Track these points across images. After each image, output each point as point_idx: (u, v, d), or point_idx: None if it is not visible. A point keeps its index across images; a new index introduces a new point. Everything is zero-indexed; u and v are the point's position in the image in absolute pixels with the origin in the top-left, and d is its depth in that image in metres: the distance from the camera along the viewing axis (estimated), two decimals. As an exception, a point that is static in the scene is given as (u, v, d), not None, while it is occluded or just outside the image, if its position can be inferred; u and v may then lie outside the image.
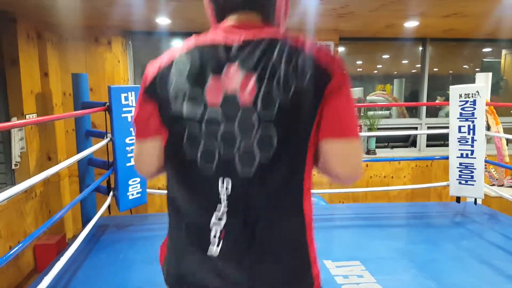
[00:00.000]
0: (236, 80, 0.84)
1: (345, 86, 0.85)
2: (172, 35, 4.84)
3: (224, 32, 0.90)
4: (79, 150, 3.42)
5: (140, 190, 3.40)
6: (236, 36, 0.88)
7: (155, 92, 0.91)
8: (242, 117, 0.83)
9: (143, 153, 0.98)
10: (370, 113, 5.43)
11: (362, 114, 5.24)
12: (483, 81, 3.79)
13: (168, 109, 0.89)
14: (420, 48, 5.49)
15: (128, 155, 3.21)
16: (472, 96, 3.38)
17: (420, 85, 5.52)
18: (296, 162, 0.85)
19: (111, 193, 3.31)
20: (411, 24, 4.28)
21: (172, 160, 0.93)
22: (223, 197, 0.85)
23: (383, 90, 7.41)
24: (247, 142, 0.83)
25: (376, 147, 5.33)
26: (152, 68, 0.94)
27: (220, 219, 0.86)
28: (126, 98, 3.15)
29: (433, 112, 6.08)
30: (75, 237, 2.83)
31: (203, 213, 0.87)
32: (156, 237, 3.25)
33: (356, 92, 7.01)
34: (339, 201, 4.98)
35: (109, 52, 4.55)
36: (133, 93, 3.18)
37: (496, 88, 5.74)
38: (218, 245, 0.86)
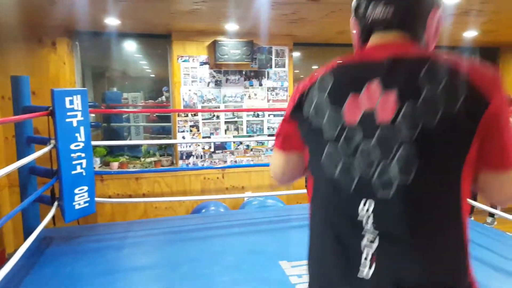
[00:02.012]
0: (375, 97, 0.81)
1: (505, 112, 0.77)
2: (123, 36, 4.70)
3: (369, 51, 0.89)
4: (19, 158, 3.19)
5: (88, 199, 3.23)
6: (380, 54, 0.85)
7: (300, 111, 0.93)
8: (380, 135, 0.80)
9: (285, 164, 1.03)
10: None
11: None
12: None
13: (309, 126, 0.90)
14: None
15: (74, 162, 3.04)
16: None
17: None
18: (444, 186, 0.79)
19: (55, 203, 3.12)
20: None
21: (313, 175, 0.94)
22: (365, 218, 0.82)
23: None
24: (385, 161, 0.80)
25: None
26: (300, 87, 0.95)
27: (372, 241, 0.82)
28: (71, 102, 2.99)
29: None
30: (16, 251, 2.64)
31: (347, 233, 0.86)
32: (107, 248, 3.16)
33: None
34: (297, 202, 5.03)
35: (53, 54, 4.32)
36: (78, 96, 3.03)
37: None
38: (370, 268, 0.83)
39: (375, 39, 0.89)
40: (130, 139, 6.77)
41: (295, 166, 1.02)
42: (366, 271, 0.82)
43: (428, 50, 0.89)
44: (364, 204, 0.82)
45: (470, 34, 4.70)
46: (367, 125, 0.82)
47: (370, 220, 0.81)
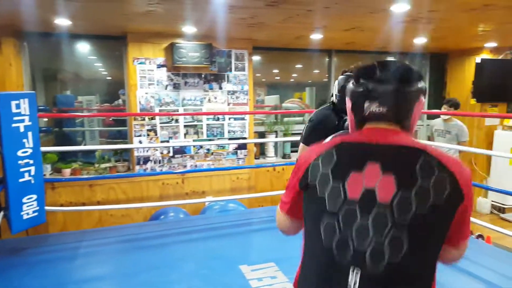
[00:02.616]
0: (376, 178, 0.94)
1: (471, 205, 0.98)
2: (76, 37, 4.51)
3: (368, 133, 1.03)
4: (-41, 166, 2.98)
5: (37, 208, 3.06)
6: (378, 138, 1.01)
7: (306, 180, 1.04)
8: (377, 213, 0.92)
9: (291, 226, 1.17)
10: (286, 119, 5.64)
11: (278, 120, 5.40)
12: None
13: (314, 195, 1.01)
14: (327, 59, 5.85)
15: (21, 169, 2.88)
16: (330, 100, 3.66)
17: (328, 92, 5.87)
18: (425, 265, 0.95)
19: (1, 213, 2.93)
20: (316, 36, 4.55)
21: (308, 240, 1.05)
22: (350, 285, 0.93)
23: (300, 98, 7.75)
24: (379, 239, 0.91)
25: (291, 151, 5.52)
26: (306, 159, 1.06)
27: None
28: (18, 106, 2.82)
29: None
30: (-46, 266, 2.45)
31: None
32: (58, 260, 3.01)
33: (273, 99, 7.23)
34: (258, 205, 5.04)
35: (-1, 55, 4.07)
36: (26, 100, 2.87)
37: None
38: None
39: (371, 126, 1.05)
40: (85, 144, 6.50)
41: (300, 227, 1.14)
42: None
43: (411, 132, 1.06)
44: (354, 276, 0.93)
45: (421, 40, 4.94)
46: (366, 202, 0.94)
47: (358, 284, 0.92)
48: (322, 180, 1.00)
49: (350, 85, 1.09)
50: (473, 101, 5.63)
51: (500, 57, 5.64)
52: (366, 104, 1.03)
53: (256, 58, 6.22)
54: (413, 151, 0.97)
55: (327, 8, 3.22)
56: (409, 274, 0.92)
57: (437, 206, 0.91)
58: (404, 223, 0.90)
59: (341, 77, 2.34)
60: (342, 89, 2.29)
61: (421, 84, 1.05)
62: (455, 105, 4.96)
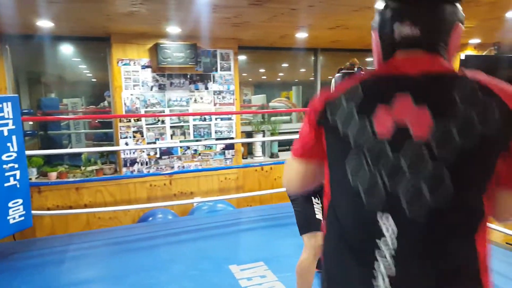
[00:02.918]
0: (407, 111, 0.81)
1: None
2: (59, 39, 4.46)
3: (398, 63, 0.88)
4: None
5: (24, 212, 3.03)
6: (410, 68, 0.86)
7: (325, 119, 0.91)
8: (413, 152, 0.79)
9: (304, 173, 1.00)
10: (273, 118, 5.65)
11: (265, 120, 5.41)
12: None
13: (337, 136, 0.88)
14: (313, 58, 5.88)
15: (6, 173, 2.83)
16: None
17: (314, 91, 5.91)
18: (472, 210, 0.80)
19: (-15, 219, 2.88)
20: (302, 35, 4.57)
21: (336, 185, 0.92)
22: (388, 236, 0.80)
23: (287, 97, 7.79)
24: (417, 180, 0.78)
25: (279, 150, 5.54)
26: (322, 97, 0.94)
27: (389, 264, 0.80)
28: (1, 110, 2.79)
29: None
30: None
31: (367, 248, 0.83)
32: (46, 264, 2.98)
33: (260, 99, 7.25)
34: (247, 205, 5.05)
35: (-21, 58, 4.00)
36: (9, 103, 2.83)
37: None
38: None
39: (401, 55, 0.89)
40: (71, 147, 6.43)
41: (314, 175, 1.01)
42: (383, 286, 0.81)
43: (450, 63, 0.90)
44: (387, 220, 0.81)
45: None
46: (399, 138, 0.81)
47: (394, 241, 0.80)
48: (345, 116, 0.87)
49: (377, 7, 0.93)
50: (457, 97, 5.72)
51: (484, 53, 5.75)
52: (396, 26, 0.87)
53: (242, 57, 6.22)
54: (450, 77, 0.83)
55: (311, 6, 3.24)
56: (456, 222, 0.79)
57: (487, 137, 0.77)
58: (447, 158, 0.77)
59: (337, 75, 2.31)
60: None
61: (458, 6, 0.89)
62: None
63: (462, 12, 0.90)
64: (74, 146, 6.51)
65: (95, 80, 9.51)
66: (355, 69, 1.96)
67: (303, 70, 7.85)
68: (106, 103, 6.41)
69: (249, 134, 5.39)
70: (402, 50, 0.89)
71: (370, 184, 0.83)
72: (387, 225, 0.81)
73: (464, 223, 0.80)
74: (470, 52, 5.70)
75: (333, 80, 2.42)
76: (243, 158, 5.23)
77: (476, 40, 5.44)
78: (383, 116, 0.83)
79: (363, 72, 1.95)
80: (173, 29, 4.04)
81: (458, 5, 0.89)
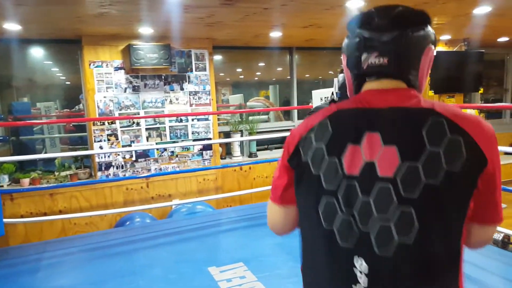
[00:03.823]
0: (376, 150, 0.81)
1: (498, 169, 0.81)
2: (28, 42, 4.33)
3: (367, 96, 0.87)
4: None
5: (-7, 221, 2.93)
6: (378, 102, 0.85)
7: (298, 159, 0.90)
8: (381, 192, 0.79)
9: (285, 218, 0.98)
10: (251, 118, 5.65)
11: (243, 119, 5.41)
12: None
13: (309, 177, 0.88)
14: (288, 57, 5.90)
15: (-28, 182, 2.73)
16: (330, 98, 3.75)
17: (291, 90, 5.94)
18: (445, 246, 0.80)
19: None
20: (276, 34, 4.58)
21: (308, 227, 0.92)
22: (359, 274, 0.81)
23: (266, 96, 7.80)
24: (385, 220, 0.78)
25: (257, 150, 5.54)
26: (294, 135, 0.92)
27: None
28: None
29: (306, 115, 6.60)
30: None
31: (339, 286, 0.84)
32: (19, 273, 2.91)
33: (237, 98, 7.23)
34: (226, 205, 5.04)
35: None
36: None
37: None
38: None
39: (370, 85, 0.89)
40: (45, 152, 6.26)
41: (295, 218, 0.98)
42: None
43: (421, 89, 0.90)
44: (361, 261, 0.81)
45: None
46: (367, 177, 0.81)
47: (365, 278, 0.81)
48: (316, 156, 0.87)
49: (345, 39, 0.93)
50: (431, 93, 5.85)
51: (455, 49, 5.89)
52: (364, 56, 0.87)
53: (218, 57, 6.20)
54: (419, 113, 0.82)
55: (283, 5, 3.25)
56: (425, 257, 0.78)
57: (452, 174, 0.76)
58: (412, 197, 0.77)
59: (340, 74, 2.29)
60: (342, 87, 2.20)
61: (429, 29, 0.87)
62: None
63: (433, 33, 0.89)
64: (49, 150, 6.34)
65: (69, 83, 9.30)
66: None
67: (279, 69, 7.88)
68: (81, 106, 6.28)
69: (227, 134, 5.37)
70: (371, 80, 0.90)
71: (343, 227, 0.83)
72: (362, 268, 0.81)
73: (434, 260, 0.80)
74: (441, 48, 5.84)
75: (335, 80, 2.43)
76: (221, 159, 5.21)
77: (446, 37, 5.57)
78: (352, 156, 0.83)
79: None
80: (146, 29, 3.98)
81: (429, 28, 0.88)
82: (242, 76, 8.74)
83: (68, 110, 7.91)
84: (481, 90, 6.18)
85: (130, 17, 3.43)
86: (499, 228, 3.08)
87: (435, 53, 0.92)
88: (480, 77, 6.00)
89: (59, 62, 6.84)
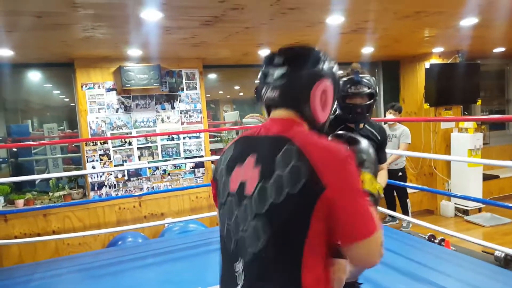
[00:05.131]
0: (249, 172, 0.95)
1: (344, 194, 0.87)
2: (18, 67, 4.44)
3: (266, 124, 1.03)
4: None
5: (-20, 243, 2.96)
6: (266, 129, 1.00)
7: (214, 175, 1.11)
8: (244, 207, 0.94)
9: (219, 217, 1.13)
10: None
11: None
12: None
13: (217, 189, 1.08)
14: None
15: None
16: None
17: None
18: (286, 257, 0.89)
19: None
20: (264, 52, 4.61)
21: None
22: (237, 275, 0.94)
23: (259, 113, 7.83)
24: (244, 232, 0.93)
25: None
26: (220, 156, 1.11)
27: None
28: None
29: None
30: None
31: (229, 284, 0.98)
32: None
33: (233, 115, 7.27)
34: (221, 224, 5.00)
35: None
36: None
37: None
38: None
39: (272, 114, 1.04)
40: (48, 173, 6.35)
41: None
42: None
43: (317, 119, 1.02)
44: (238, 263, 0.95)
45: (368, 50, 5.08)
46: (239, 194, 0.96)
47: (242, 277, 0.94)
48: (220, 174, 1.05)
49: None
50: (426, 106, 5.79)
51: (449, 61, 5.85)
52: (263, 90, 1.03)
53: (213, 76, 6.27)
54: (281, 140, 0.94)
55: (263, 24, 3.28)
56: (271, 267, 0.90)
57: (292, 197, 0.86)
58: (261, 212, 0.90)
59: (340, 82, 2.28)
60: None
61: (321, 67, 1.02)
62: (399, 109, 5.26)
63: (328, 68, 1.03)
64: (52, 171, 6.43)
65: (73, 104, 9.49)
66: (354, 74, 1.94)
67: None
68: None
69: (220, 151, 5.38)
70: (273, 111, 1.04)
71: (227, 232, 1.00)
72: (239, 267, 0.95)
73: (273, 267, 0.90)
74: (435, 61, 5.80)
75: None
76: (215, 176, 5.20)
77: (439, 49, 5.54)
78: (236, 175, 0.99)
79: (361, 75, 1.99)
80: (134, 51, 4.06)
81: (321, 66, 1.02)
82: (241, 93, 8.82)
83: (71, 131, 8.05)
84: (479, 102, 6.09)
85: (115, 40, 3.51)
86: (501, 248, 2.98)
87: (339, 83, 1.11)
88: (477, 88, 5.92)
89: (59, 84, 7.00)
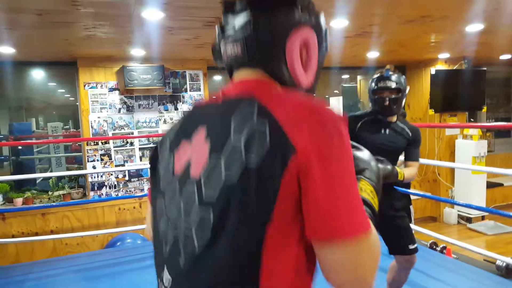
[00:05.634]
0: (197, 148, 0.70)
1: (322, 161, 0.59)
2: (21, 65, 4.44)
3: (225, 88, 0.76)
4: None
5: (-24, 241, 2.94)
6: (222, 95, 0.75)
7: (153, 162, 0.82)
8: (188, 193, 0.68)
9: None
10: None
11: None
12: (336, 104, 4.23)
13: (156, 174, 0.80)
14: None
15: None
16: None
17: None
18: (243, 259, 0.62)
19: None
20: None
21: (153, 231, 0.81)
22: (167, 282, 0.71)
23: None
24: (188, 224, 0.67)
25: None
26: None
27: None
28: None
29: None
30: None
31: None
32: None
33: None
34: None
35: None
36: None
37: (354, 109, 6.43)
38: None
39: (235, 76, 0.78)
40: (51, 171, 6.36)
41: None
42: None
43: (297, 82, 0.74)
44: (166, 274, 0.72)
45: (373, 54, 5.04)
46: (184, 177, 0.70)
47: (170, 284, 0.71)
48: (163, 153, 0.78)
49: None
50: (431, 112, 5.74)
51: (455, 67, 5.79)
52: (223, 46, 0.77)
53: (218, 78, 6.24)
54: (237, 100, 0.69)
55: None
56: (217, 269, 0.64)
57: (251, 170, 0.60)
58: (212, 199, 0.64)
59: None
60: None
61: (298, 10, 0.73)
62: (403, 114, 5.18)
63: (310, 12, 0.76)
64: (55, 170, 6.44)
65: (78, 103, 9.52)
66: (385, 71, 2.19)
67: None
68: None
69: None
70: (235, 72, 0.78)
71: (164, 226, 0.74)
72: (165, 282, 0.72)
73: (224, 271, 0.64)
74: (441, 66, 5.74)
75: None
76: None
77: (445, 55, 5.48)
78: (182, 152, 0.73)
79: (391, 73, 2.18)
80: (137, 51, 4.04)
81: (299, 9, 0.74)
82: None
83: (75, 130, 8.08)
84: (485, 109, 6.02)
85: (118, 40, 3.49)
86: (502, 258, 2.93)
87: (326, 35, 0.79)
88: (482, 95, 5.86)
89: (64, 83, 7.02)
